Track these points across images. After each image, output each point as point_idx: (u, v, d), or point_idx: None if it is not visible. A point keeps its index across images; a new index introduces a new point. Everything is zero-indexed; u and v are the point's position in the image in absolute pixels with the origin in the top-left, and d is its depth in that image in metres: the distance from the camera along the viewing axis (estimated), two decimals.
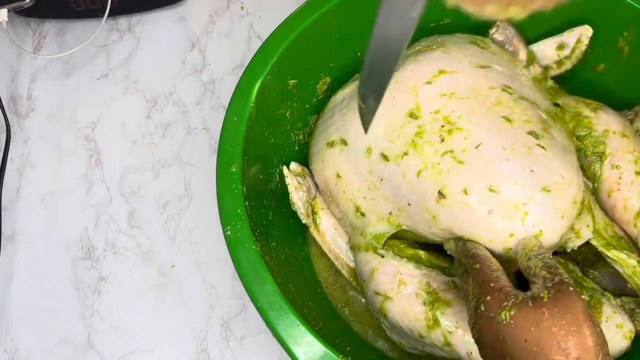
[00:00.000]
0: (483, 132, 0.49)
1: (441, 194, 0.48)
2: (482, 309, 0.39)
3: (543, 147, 0.49)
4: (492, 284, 0.40)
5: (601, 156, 0.54)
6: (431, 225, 0.50)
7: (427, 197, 0.49)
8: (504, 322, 0.37)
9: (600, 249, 0.51)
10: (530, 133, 0.50)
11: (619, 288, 0.55)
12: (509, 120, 0.50)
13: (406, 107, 0.52)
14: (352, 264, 0.58)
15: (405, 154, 0.51)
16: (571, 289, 0.38)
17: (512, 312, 0.37)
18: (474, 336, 0.40)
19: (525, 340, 0.36)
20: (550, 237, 0.47)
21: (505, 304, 0.38)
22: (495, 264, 0.43)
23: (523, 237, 0.46)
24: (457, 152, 0.49)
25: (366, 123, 0.44)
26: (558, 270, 0.40)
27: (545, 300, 0.37)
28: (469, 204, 0.47)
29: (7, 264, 0.68)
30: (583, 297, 0.41)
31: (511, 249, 0.47)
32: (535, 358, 0.35)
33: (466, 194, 0.48)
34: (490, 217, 0.47)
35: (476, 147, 0.48)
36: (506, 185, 0.47)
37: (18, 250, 0.69)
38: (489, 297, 0.39)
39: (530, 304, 0.37)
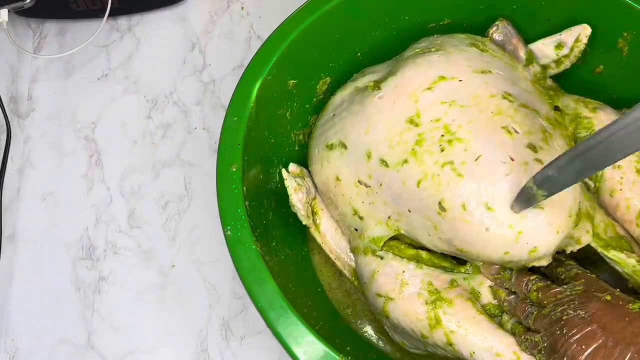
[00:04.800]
0: (483, 143, 0.49)
1: (442, 207, 0.48)
2: (608, 298, 0.45)
3: (540, 162, 0.48)
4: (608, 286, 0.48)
5: None
6: (431, 233, 0.50)
7: (428, 206, 0.49)
8: (635, 310, 0.44)
9: (599, 250, 0.51)
10: (529, 146, 0.49)
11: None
12: (509, 131, 0.49)
13: (406, 113, 0.52)
14: (353, 264, 0.58)
15: (405, 161, 0.51)
16: None
17: None
18: (585, 315, 0.44)
19: None
20: (545, 251, 0.48)
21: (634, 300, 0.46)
22: None
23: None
24: (457, 164, 0.48)
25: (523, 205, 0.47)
26: None
27: None
28: (468, 220, 0.47)
29: (8, 264, 0.68)
30: None
31: (507, 260, 0.48)
32: None
33: (465, 209, 0.48)
34: (487, 234, 0.47)
35: (475, 160, 0.48)
36: (501, 203, 0.47)
37: (18, 250, 0.69)
38: (617, 292, 0.46)
39: None
